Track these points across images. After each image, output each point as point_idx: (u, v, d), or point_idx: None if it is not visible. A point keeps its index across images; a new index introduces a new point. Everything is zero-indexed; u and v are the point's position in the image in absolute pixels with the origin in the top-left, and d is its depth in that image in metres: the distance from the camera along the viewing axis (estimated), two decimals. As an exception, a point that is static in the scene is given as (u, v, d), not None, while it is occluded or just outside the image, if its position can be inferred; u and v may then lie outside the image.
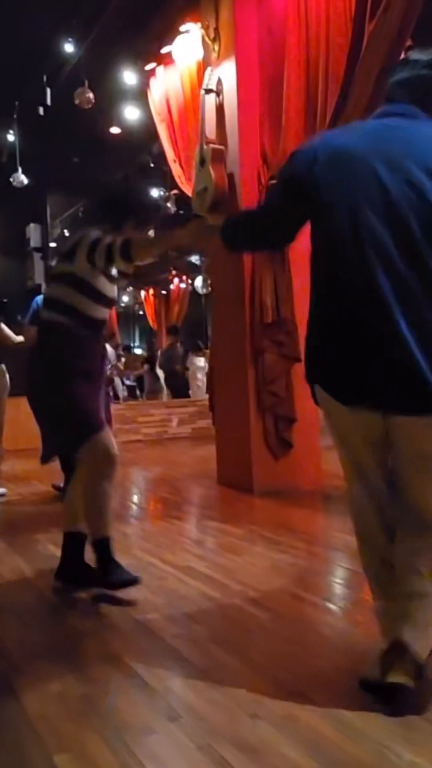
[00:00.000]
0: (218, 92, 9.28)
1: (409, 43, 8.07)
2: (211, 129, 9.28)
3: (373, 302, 3.31)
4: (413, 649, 3.31)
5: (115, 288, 5.63)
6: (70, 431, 5.20)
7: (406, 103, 3.62)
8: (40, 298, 9.60)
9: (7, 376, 9.67)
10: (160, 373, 20.13)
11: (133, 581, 5.14)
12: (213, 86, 9.28)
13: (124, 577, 5.18)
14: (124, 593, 5.24)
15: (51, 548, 6.64)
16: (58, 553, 6.28)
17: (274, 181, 8.71)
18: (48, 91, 13.25)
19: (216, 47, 9.41)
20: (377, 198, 3.34)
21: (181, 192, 12.04)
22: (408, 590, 3.44)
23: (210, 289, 9.99)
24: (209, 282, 8.95)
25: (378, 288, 3.29)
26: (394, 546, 3.58)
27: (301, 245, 7.41)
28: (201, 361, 19.57)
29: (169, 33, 10.99)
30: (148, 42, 11.44)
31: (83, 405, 5.10)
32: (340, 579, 5.75)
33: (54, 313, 5.24)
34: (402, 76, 3.68)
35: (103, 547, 5.30)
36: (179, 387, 20.01)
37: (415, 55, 3.71)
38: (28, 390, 5.30)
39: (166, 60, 11.47)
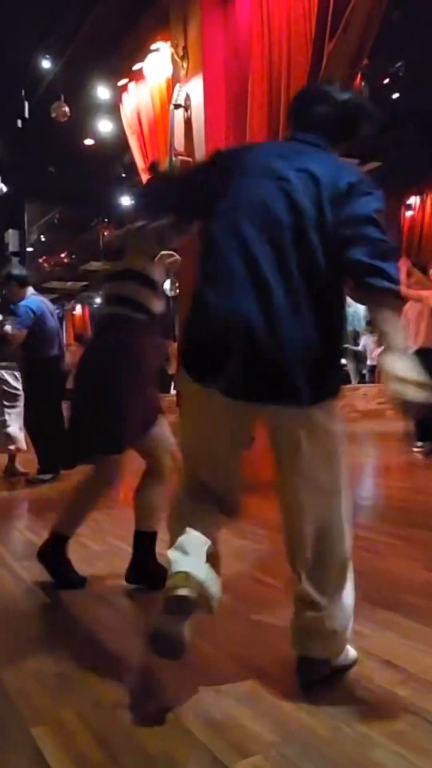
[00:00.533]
0: (186, 107, 9.29)
1: (365, 62, 8.12)
2: (179, 142, 9.30)
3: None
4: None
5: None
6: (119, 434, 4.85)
7: (318, 136, 3.63)
8: (32, 303, 9.66)
9: None
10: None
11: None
12: (181, 101, 9.30)
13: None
14: (98, 575, 5.27)
15: (28, 534, 6.64)
16: (35, 539, 6.30)
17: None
18: (26, 104, 13.25)
19: (184, 65, 9.44)
20: (258, 207, 3.34)
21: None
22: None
23: (178, 291, 9.98)
24: (177, 285, 8.95)
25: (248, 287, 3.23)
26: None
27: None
28: (174, 361, 19.53)
29: (141, 51, 11.00)
30: (120, 59, 11.45)
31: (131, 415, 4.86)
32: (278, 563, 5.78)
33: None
34: (321, 110, 3.66)
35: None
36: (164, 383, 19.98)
37: (334, 92, 3.70)
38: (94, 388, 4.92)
39: (138, 76, 11.49)
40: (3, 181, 15.74)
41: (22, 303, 9.77)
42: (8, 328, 9.36)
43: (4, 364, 10.26)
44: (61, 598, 4.90)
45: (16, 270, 10.38)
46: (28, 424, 10.23)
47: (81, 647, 4.04)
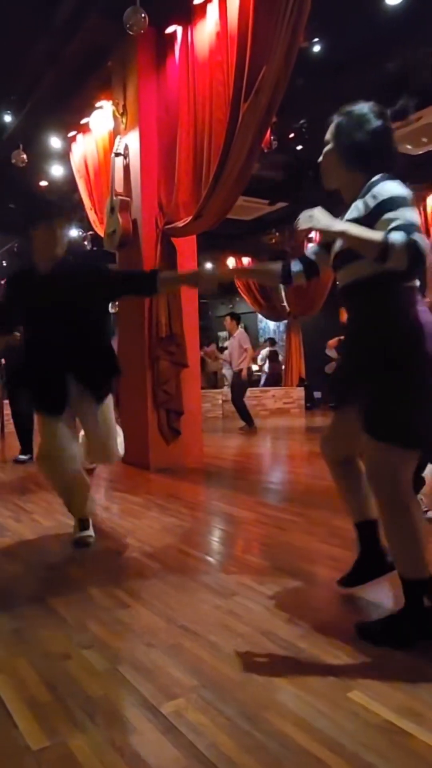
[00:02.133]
0: (125, 155, 9.28)
1: (274, 119, 8.15)
2: (119, 184, 9.28)
3: None
4: None
5: None
6: None
7: None
8: None
9: None
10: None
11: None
12: (121, 150, 9.28)
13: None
14: (48, 547, 5.25)
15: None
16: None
17: (168, 226, 8.75)
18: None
19: (124, 120, 9.43)
20: None
21: (96, 233, 12.04)
22: None
23: (117, 308, 9.98)
24: (116, 303, 8.92)
25: None
26: None
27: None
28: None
29: (87, 108, 10.98)
30: (70, 115, 11.40)
31: None
32: (216, 538, 5.76)
33: None
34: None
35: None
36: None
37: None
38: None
39: (85, 129, 11.47)
40: (-30, 216, 15.61)
41: None
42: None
43: None
44: (16, 568, 4.86)
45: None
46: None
47: (34, 608, 4.00)
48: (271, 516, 6.28)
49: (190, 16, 8.47)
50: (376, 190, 3.23)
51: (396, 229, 2.95)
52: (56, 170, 13.68)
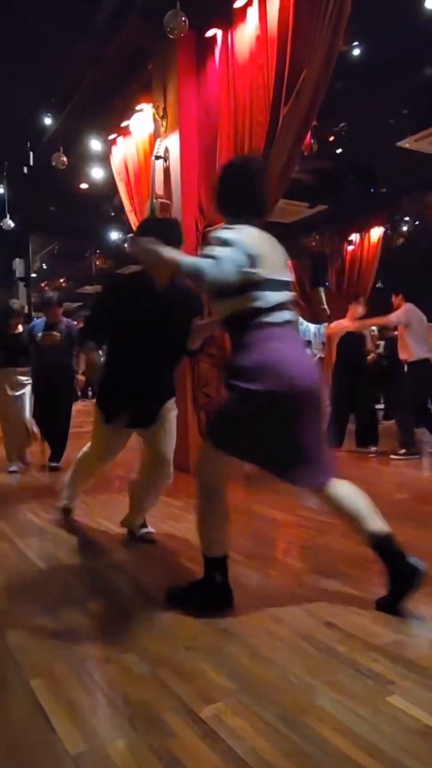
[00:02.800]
0: (165, 158, 9.30)
1: (314, 122, 8.13)
2: (159, 187, 9.31)
3: None
4: None
5: None
6: None
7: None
8: (38, 323, 9.69)
9: None
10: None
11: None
12: (161, 153, 9.30)
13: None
14: (89, 550, 5.27)
15: (29, 516, 6.62)
16: (35, 519, 6.30)
17: (209, 229, 8.77)
18: (31, 154, 13.24)
19: (164, 123, 9.44)
20: None
21: (137, 236, 12.09)
22: None
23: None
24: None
25: None
26: None
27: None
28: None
29: (128, 111, 10.99)
30: (110, 117, 11.44)
31: None
32: (257, 541, 5.77)
33: None
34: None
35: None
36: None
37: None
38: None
39: (125, 132, 11.47)
40: (11, 218, 15.65)
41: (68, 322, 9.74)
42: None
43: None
44: (57, 571, 4.89)
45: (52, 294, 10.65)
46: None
47: (73, 611, 4.04)
48: (311, 519, 6.27)
49: (230, 19, 8.48)
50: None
51: (203, 255, 3.65)
52: (96, 173, 13.74)
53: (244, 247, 3.67)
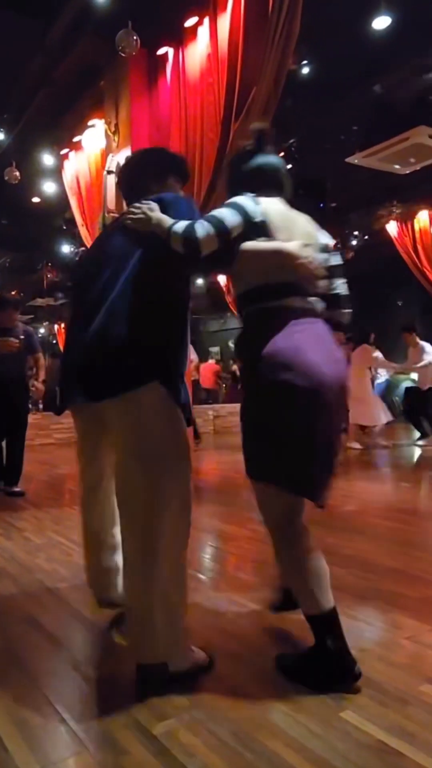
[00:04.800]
0: (117, 173, 9.33)
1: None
2: (111, 201, 9.30)
3: None
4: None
5: None
6: None
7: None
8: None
9: None
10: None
11: None
12: (113, 168, 9.31)
13: None
14: (38, 565, 5.24)
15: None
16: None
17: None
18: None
19: (116, 138, 9.48)
20: None
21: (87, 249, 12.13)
22: None
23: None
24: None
25: None
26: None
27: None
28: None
29: (80, 126, 11.03)
30: (63, 132, 11.47)
31: None
32: (207, 555, 5.76)
33: None
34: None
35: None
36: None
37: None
38: None
39: (77, 147, 11.50)
40: (-38, 231, 15.65)
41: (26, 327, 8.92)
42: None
43: None
44: (7, 586, 4.85)
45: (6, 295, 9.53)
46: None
47: (22, 628, 4.00)
48: (264, 532, 6.18)
49: (181, 38, 8.55)
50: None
51: (184, 220, 3.13)
52: (48, 187, 13.72)
53: (247, 210, 3.24)
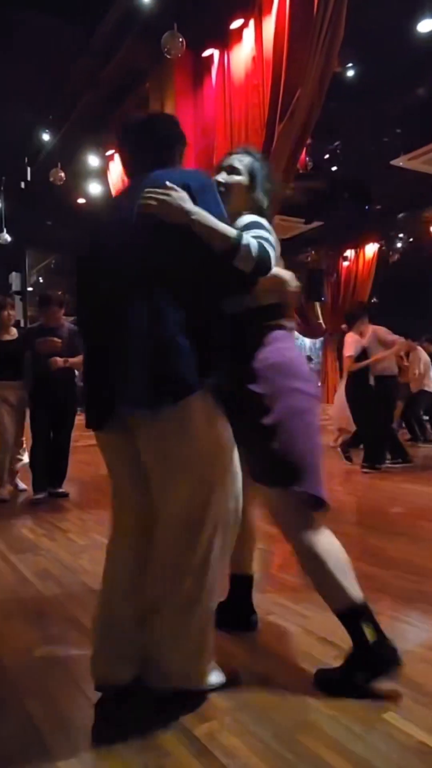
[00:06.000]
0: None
1: (309, 141, 8.19)
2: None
3: None
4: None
5: None
6: None
7: None
8: (33, 328, 8.81)
9: None
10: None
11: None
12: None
13: None
14: (81, 566, 5.27)
15: (23, 531, 6.62)
16: (29, 534, 6.29)
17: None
18: (29, 170, 13.27)
19: (161, 140, 9.50)
20: None
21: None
22: None
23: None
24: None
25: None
26: None
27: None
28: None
29: (125, 128, 11.06)
30: (108, 133, 11.50)
31: None
32: (253, 556, 5.78)
33: None
34: None
35: None
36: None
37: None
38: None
39: (122, 149, 11.54)
40: (8, 232, 15.67)
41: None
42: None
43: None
44: (51, 589, 4.88)
45: (51, 292, 9.00)
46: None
47: (67, 629, 4.04)
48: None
49: (226, 40, 8.56)
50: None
51: (253, 236, 2.95)
52: (94, 188, 13.76)
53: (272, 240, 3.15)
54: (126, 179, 3.58)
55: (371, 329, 10.41)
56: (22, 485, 8.84)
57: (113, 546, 3.26)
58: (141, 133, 3.43)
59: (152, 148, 3.37)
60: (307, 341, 26.35)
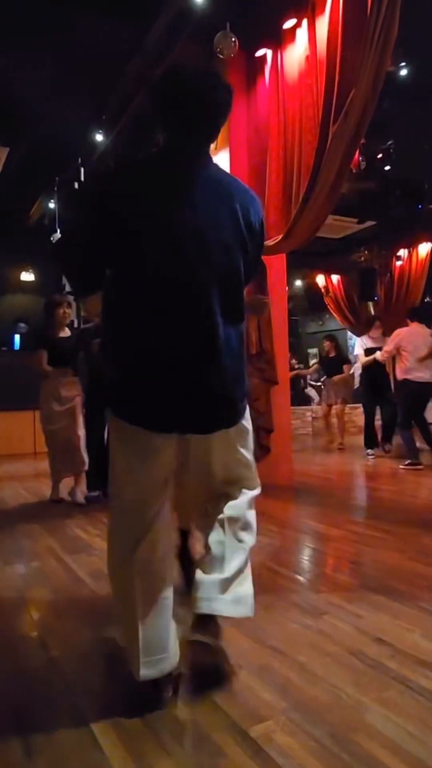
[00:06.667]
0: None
1: (362, 140, 8.17)
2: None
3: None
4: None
5: None
6: None
7: None
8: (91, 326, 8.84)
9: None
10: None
11: None
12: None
13: None
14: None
15: (77, 531, 6.67)
16: (83, 535, 6.33)
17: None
18: (82, 170, 13.33)
19: (215, 141, 9.51)
20: None
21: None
22: None
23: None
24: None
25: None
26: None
27: (277, 293, 7.40)
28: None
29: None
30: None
31: None
32: (306, 556, 5.78)
33: None
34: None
35: None
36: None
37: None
38: None
39: (176, 149, 11.55)
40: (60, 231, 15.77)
41: None
42: None
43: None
44: (105, 588, 4.90)
45: None
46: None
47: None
48: (361, 533, 6.28)
49: (279, 40, 8.57)
50: None
51: None
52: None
53: None
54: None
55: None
56: (79, 498, 8.81)
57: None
58: (207, 95, 3.13)
59: (213, 120, 3.24)
60: (358, 340, 26.22)
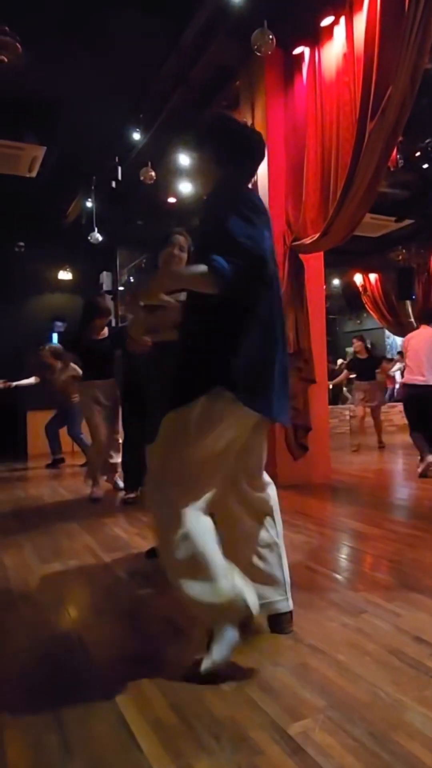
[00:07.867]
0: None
1: (400, 138, 8.14)
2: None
3: None
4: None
5: None
6: None
7: None
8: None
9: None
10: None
11: None
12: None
13: None
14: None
15: (116, 530, 6.70)
16: (122, 534, 6.35)
17: (296, 243, 8.81)
18: (119, 169, 13.35)
19: (252, 139, 9.51)
20: None
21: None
22: None
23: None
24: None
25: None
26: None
27: (315, 292, 7.38)
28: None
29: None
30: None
31: None
32: (344, 555, 5.78)
33: None
34: None
35: None
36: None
37: None
38: None
39: (213, 147, 11.54)
40: (99, 232, 15.77)
41: None
42: None
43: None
44: (143, 587, 4.92)
45: None
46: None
47: (159, 628, 4.09)
48: (399, 532, 6.26)
49: (317, 37, 8.56)
50: None
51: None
52: (184, 187, 13.81)
53: None
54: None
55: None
56: (120, 483, 9.05)
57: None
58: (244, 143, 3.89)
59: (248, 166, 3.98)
60: (398, 339, 26.13)
